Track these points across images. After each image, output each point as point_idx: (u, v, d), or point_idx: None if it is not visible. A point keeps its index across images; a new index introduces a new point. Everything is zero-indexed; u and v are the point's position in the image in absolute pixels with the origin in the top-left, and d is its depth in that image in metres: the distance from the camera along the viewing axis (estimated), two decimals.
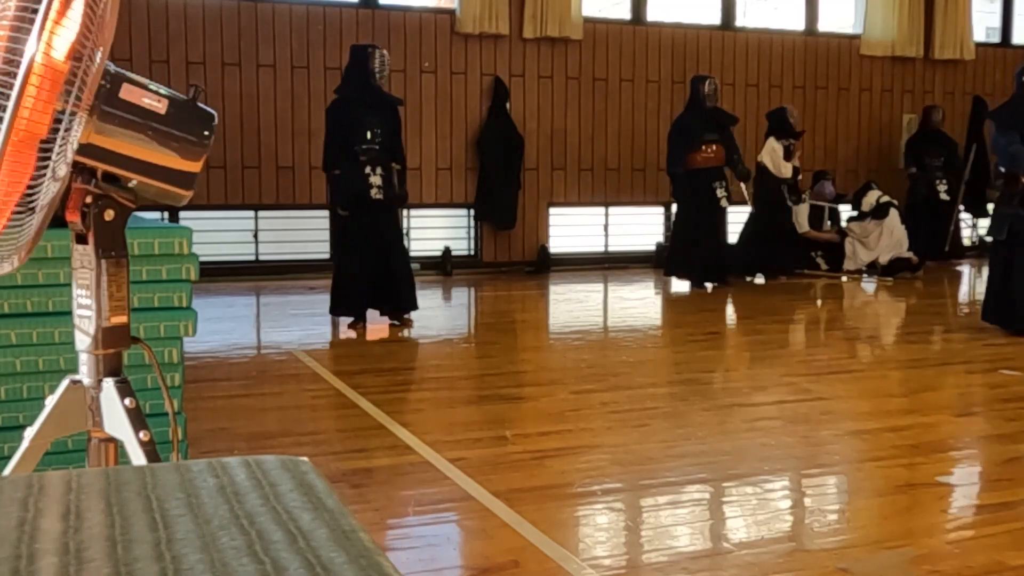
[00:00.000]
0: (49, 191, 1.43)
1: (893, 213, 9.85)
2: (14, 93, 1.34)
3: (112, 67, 1.54)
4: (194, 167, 1.61)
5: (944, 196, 10.87)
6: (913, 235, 10.23)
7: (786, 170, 9.51)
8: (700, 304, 8.33)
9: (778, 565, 2.70)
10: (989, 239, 6.68)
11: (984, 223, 11.25)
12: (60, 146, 1.41)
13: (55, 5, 1.33)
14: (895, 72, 11.82)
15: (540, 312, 8.22)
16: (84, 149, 1.52)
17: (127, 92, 1.54)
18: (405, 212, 7.79)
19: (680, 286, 9.14)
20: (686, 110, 9.15)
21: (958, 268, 10.72)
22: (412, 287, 6.73)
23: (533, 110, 10.17)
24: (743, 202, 9.68)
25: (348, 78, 6.67)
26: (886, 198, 10.07)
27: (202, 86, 1.64)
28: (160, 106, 1.56)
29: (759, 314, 8.27)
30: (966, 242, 11.83)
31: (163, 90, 1.59)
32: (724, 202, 8.87)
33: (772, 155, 9.52)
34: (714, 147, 8.86)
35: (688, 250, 8.88)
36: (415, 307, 6.76)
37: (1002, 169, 6.50)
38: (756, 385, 5.17)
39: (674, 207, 10.76)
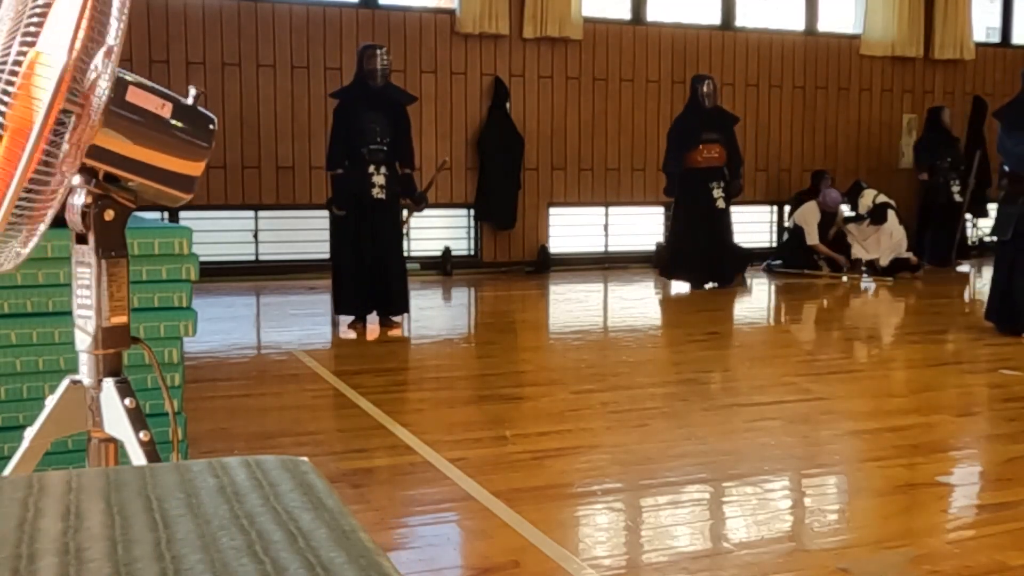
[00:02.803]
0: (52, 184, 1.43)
1: (891, 216, 9.83)
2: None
3: (118, 70, 1.54)
4: (195, 170, 1.61)
5: (958, 198, 10.80)
6: (923, 239, 10.17)
7: None
8: (700, 304, 8.32)
9: (778, 565, 2.70)
10: (992, 239, 6.61)
11: (984, 223, 11.24)
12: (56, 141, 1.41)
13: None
14: (895, 72, 11.82)
15: (540, 312, 8.22)
16: (88, 150, 1.52)
17: (133, 95, 1.54)
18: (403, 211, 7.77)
19: (680, 286, 9.13)
20: (685, 110, 9.15)
21: (959, 269, 10.71)
22: (405, 290, 6.73)
23: (533, 110, 10.17)
24: (741, 203, 9.65)
25: (353, 80, 6.81)
26: (882, 198, 10.04)
27: (202, 89, 1.64)
28: (165, 110, 1.57)
29: (759, 314, 8.28)
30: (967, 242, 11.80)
31: (167, 93, 1.59)
32: (720, 203, 8.83)
33: None
34: (715, 148, 8.82)
35: (686, 250, 8.82)
36: (405, 310, 6.77)
37: (1007, 168, 6.45)
38: (756, 385, 5.16)
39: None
